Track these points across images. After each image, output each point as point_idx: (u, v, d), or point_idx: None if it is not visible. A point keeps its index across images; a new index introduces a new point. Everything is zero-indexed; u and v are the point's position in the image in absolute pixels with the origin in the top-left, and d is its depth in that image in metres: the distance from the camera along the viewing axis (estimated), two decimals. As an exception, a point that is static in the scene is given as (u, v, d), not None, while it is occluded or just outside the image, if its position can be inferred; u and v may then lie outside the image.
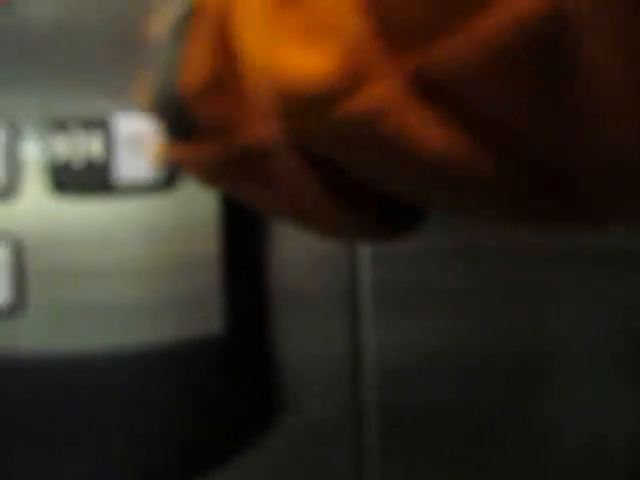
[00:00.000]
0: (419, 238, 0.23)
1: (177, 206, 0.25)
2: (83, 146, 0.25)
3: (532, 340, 0.27)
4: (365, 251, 0.26)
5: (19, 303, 0.26)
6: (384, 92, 0.10)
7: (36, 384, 0.26)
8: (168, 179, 0.24)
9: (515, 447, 0.26)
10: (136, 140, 0.24)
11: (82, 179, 0.25)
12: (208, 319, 0.25)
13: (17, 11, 0.26)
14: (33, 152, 0.26)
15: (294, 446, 0.27)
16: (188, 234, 0.25)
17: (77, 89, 0.25)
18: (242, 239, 0.25)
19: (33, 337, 0.26)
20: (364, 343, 0.26)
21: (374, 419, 0.26)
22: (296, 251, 0.26)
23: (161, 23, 0.15)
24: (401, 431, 0.26)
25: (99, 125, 0.25)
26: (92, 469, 0.26)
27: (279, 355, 0.26)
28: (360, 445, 0.26)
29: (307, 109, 0.11)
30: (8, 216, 0.26)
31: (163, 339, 0.25)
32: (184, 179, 0.24)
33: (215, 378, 0.25)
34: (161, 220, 0.25)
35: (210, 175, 0.16)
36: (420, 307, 0.25)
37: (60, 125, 0.25)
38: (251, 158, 0.13)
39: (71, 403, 0.26)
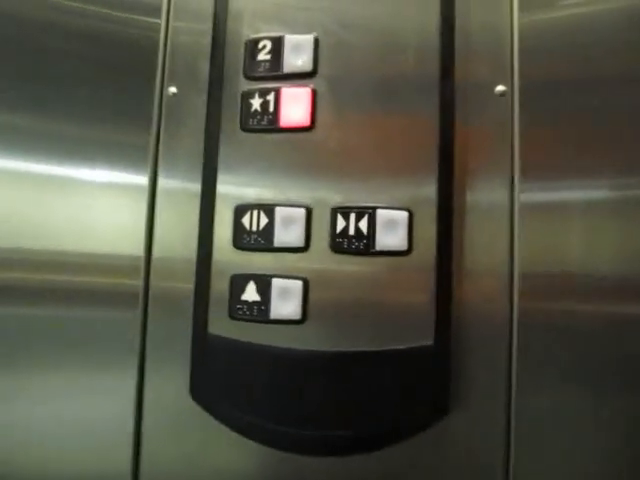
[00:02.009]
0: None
1: (411, 269, 0.40)
2: (355, 223, 0.41)
3: None
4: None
5: (304, 318, 0.41)
6: None
7: (311, 371, 0.41)
8: (408, 248, 0.40)
9: None
10: (390, 223, 0.40)
11: (352, 245, 0.41)
12: (425, 335, 0.40)
13: (317, 133, 0.42)
14: (320, 225, 0.41)
15: (456, 439, 0.41)
16: (410, 284, 0.41)
17: (354, 187, 0.41)
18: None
19: (310, 341, 0.41)
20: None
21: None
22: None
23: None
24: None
25: (367, 210, 0.41)
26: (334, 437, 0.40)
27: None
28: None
29: None
30: (302, 264, 0.41)
31: (391, 347, 0.40)
32: (418, 248, 0.40)
33: (422, 378, 0.41)
34: (397, 279, 0.41)
35: None
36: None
37: (340, 209, 0.41)
38: None
39: (328, 386, 0.41)
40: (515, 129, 0.42)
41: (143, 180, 0.46)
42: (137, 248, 0.45)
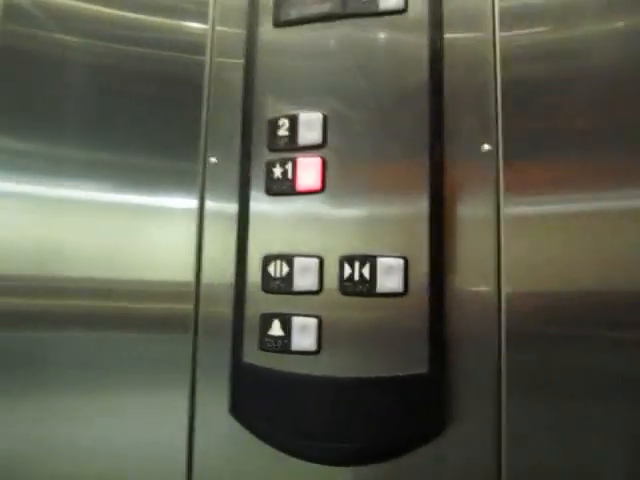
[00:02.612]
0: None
1: (407, 308, 0.48)
2: (359, 270, 0.49)
3: None
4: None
5: (318, 349, 0.49)
6: None
7: (326, 393, 0.49)
8: (404, 291, 0.48)
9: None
10: (389, 269, 0.48)
11: (357, 288, 0.49)
12: (421, 364, 0.47)
13: (327, 195, 0.50)
14: (331, 272, 0.50)
15: (452, 454, 0.48)
16: (407, 321, 0.48)
17: (358, 238, 0.49)
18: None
19: (325, 368, 0.49)
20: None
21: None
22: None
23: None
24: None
25: (369, 259, 0.49)
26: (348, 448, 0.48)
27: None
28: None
29: None
30: (316, 305, 0.50)
31: (392, 374, 0.48)
32: (413, 290, 0.48)
33: (419, 401, 0.48)
34: (395, 316, 0.48)
35: None
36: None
37: (346, 258, 0.49)
38: None
39: (340, 406, 0.49)
40: (500, 184, 0.48)
41: (192, 204, 0.56)
42: (187, 274, 0.55)
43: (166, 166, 0.58)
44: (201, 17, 0.59)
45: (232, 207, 0.54)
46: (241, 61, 0.55)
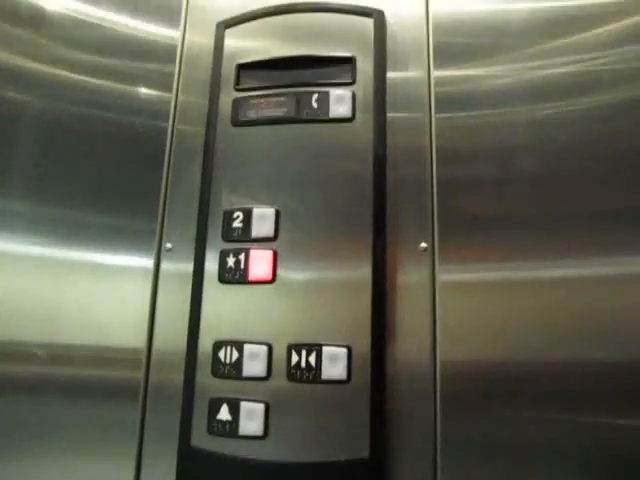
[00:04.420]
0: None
1: (350, 395, 0.51)
2: (306, 358, 0.52)
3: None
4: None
5: (265, 434, 0.51)
6: None
7: (271, 478, 0.51)
8: (347, 378, 0.51)
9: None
10: (333, 357, 0.51)
11: (303, 375, 0.52)
12: (362, 448, 0.50)
13: (277, 285, 0.54)
14: (279, 358, 0.53)
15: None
16: (350, 407, 0.51)
17: (305, 327, 0.53)
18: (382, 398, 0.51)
19: (271, 453, 0.51)
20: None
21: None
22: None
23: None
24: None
25: (315, 347, 0.52)
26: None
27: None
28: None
29: None
30: (264, 391, 0.52)
31: (335, 459, 0.51)
32: (356, 377, 0.51)
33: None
34: (339, 402, 0.51)
35: None
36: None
37: (294, 345, 0.52)
38: None
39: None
40: (437, 288, 0.53)
41: (148, 263, 0.58)
42: (139, 340, 0.57)
43: (121, 226, 0.60)
44: (165, 86, 0.63)
45: (188, 267, 0.57)
46: (201, 129, 0.59)
